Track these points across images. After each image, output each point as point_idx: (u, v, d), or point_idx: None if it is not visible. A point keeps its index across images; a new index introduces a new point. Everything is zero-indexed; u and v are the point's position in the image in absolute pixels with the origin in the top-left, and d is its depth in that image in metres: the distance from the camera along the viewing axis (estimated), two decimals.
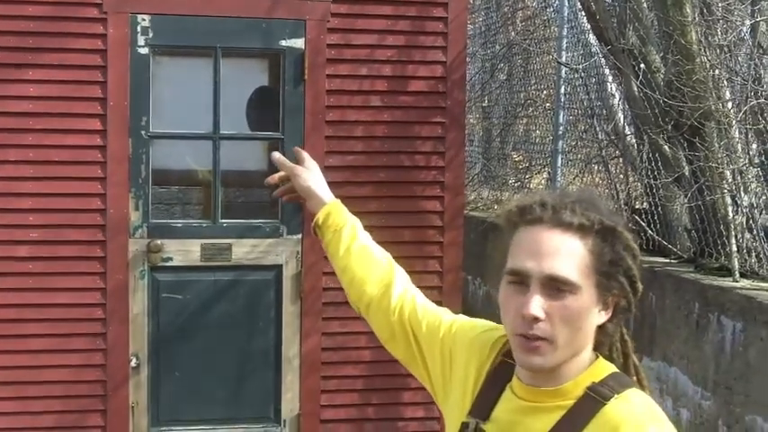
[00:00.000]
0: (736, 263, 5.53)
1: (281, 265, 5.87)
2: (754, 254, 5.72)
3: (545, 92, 9.44)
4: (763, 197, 5.86)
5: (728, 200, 5.84)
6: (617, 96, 7.37)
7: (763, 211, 5.88)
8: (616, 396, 2.05)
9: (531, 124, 9.87)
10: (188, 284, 5.82)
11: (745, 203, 5.77)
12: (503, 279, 2.08)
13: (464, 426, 2.21)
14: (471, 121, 10.20)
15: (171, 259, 5.77)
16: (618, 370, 2.14)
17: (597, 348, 2.15)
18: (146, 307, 5.76)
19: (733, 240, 5.64)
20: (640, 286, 2.12)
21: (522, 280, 2.03)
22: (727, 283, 5.39)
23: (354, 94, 5.85)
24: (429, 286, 5.96)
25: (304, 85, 5.78)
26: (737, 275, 5.48)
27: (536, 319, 2.01)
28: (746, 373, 4.92)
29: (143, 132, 5.69)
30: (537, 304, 2.01)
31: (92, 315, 5.67)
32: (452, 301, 5.96)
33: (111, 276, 5.66)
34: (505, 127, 10.28)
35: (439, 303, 5.94)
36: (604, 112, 7.57)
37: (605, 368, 2.12)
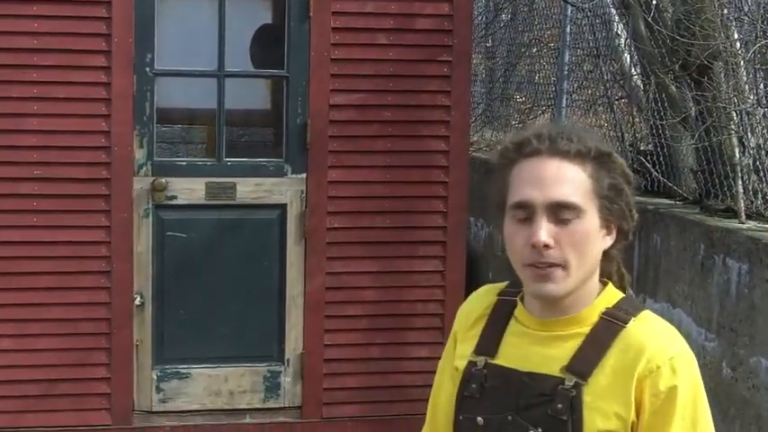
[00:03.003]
0: (743, 204, 5.50)
1: (286, 205, 5.86)
2: (760, 195, 5.69)
3: (549, 32, 9.37)
4: None
5: (735, 141, 5.81)
6: (623, 36, 7.31)
7: None
8: (633, 319, 2.13)
9: (534, 65, 9.81)
10: (192, 223, 5.81)
11: (752, 145, 5.74)
12: (506, 216, 2.13)
13: (471, 364, 2.23)
14: (474, 61, 10.12)
15: (175, 197, 5.76)
16: (625, 295, 2.21)
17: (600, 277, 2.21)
18: (150, 245, 5.76)
19: (739, 182, 5.61)
20: (636, 213, 2.19)
21: (527, 212, 2.08)
22: (732, 224, 5.37)
23: (360, 32, 5.81)
24: (433, 226, 5.97)
25: (309, 23, 5.73)
26: (743, 217, 5.45)
27: (546, 247, 2.06)
28: (751, 314, 4.92)
29: (147, 69, 5.65)
30: (545, 231, 2.06)
31: (96, 253, 5.67)
32: (456, 241, 5.96)
33: (115, 214, 5.65)
34: (509, 67, 10.22)
35: (443, 244, 5.97)
36: (610, 52, 7.52)
37: (616, 294, 2.20)
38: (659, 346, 2.09)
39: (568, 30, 8.22)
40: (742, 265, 5.01)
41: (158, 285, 5.80)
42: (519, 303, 2.23)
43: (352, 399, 5.97)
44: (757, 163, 5.72)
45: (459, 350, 2.29)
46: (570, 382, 2.09)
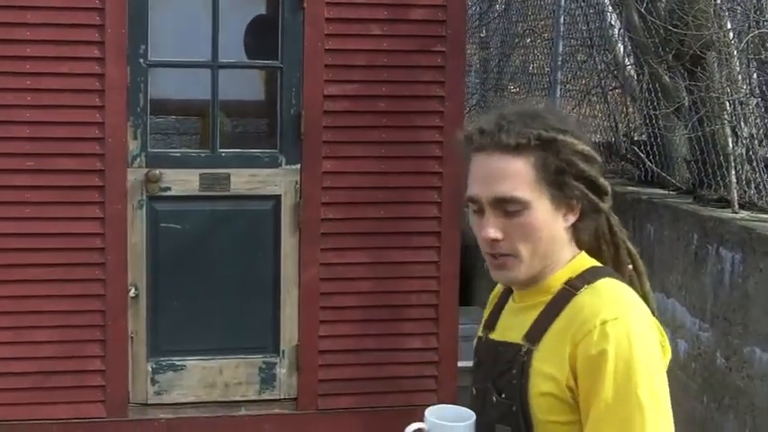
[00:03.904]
0: (736, 194, 5.52)
1: (280, 195, 5.85)
2: (753, 185, 5.71)
3: (543, 22, 9.37)
4: (763, 128, 5.84)
5: (728, 131, 5.82)
6: (617, 26, 7.32)
7: (763, 142, 5.87)
8: (586, 286, 2.17)
9: (528, 55, 9.81)
10: (186, 214, 5.80)
11: (745, 134, 5.76)
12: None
13: (478, 339, 2.38)
14: (468, 52, 10.12)
15: (169, 189, 5.74)
16: (598, 264, 2.25)
17: (582, 244, 2.26)
18: (144, 237, 5.75)
19: (732, 171, 5.62)
20: (603, 182, 2.22)
21: (478, 206, 2.17)
22: (726, 214, 5.38)
23: (354, 23, 5.80)
24: (428, 217, 5.96)
25: (303, 13, 5.72)
26: (737, 207, 5.47)
27: (495, 240, 2.15)
28: (745, 304, 4.93)
29: (141, 60, 5.63)
30: (492, 227, 2.15)
31: (90, 245, 5.65)
32: (451, 231, 5.96)
33: (109, 206, 5.64)
34: (503, 58, 10.22)
35: (437, 234, 5.96)
36: (604, 42, 7.53)
37: (585, 263, 2.24)
38: (593, 310, 2.11)
39: (562, 20, 8.23)
40: (735, 254, 5.02)
41: (153, 277, 5.79)
42: None
43: (347, 390, 5.96)
44: (750, 152, 5.73)
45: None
46: (524, 348, 2.17)
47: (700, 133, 5.88)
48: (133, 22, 5.57)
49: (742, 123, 5.76)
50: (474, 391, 2.32)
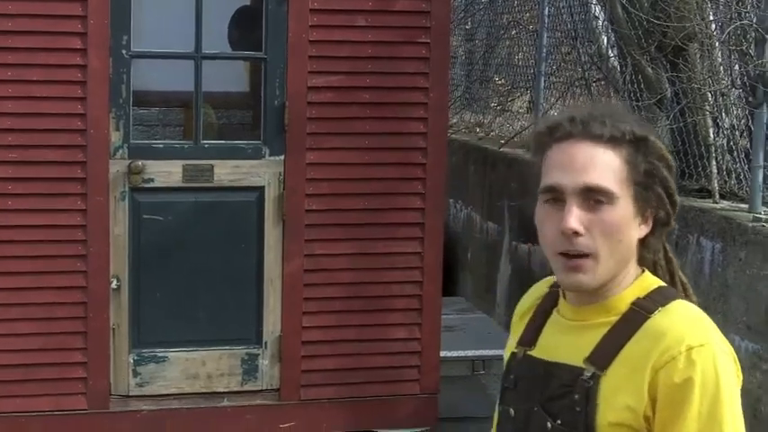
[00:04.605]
0: (717, 184, 5.55)
1: (264, 187, 5.84)
2: (734, 175, 5.74)
3: (528, 14, 9.40)
4: (744, 119, 5.87)
5: (710, 122, 5.85)
6: (600, 18, 7.35)
7: (744, 133, 5.90)
8: (660, 309, 2.03)
9: (513, 47, 9.83)
10: (169, 206, 5.79)
11: (726, 125, 5.79)
12: (538, 200, 2.07)
13: (512, 355, 2.23)
14: (453, 43, 10.14)
15: (152, 180, 5.73)
16: (664, 284, 2.12)
17: (643, 263, 2.14)
18: (127, 228, 5.74)
19: (713, 162, 5.66)
20: (678, 198, 2.12)
21: (557, 197, 2.02)
22: (706, 204, 5.42)
23: (338, 14, 5.79)
24: (412, 208, 5.97)
25: (287, 4, 5.71)
26: (717, 197, 5.50)
27: (576, 234, 2.00)
28: (725, 293, 4.96)
29: (124, 52, 5.62)
30: (575, 218, 1.99)
31: (72, 237, 5.64)
32: (435, 223, 5.97)
33: (91, 198, 5.62)
34: (488, 49, 10.24)
35: (421, 226, 5.96)
36: (588, 34, 7.56)
37: (651, 282, 2.11)
38: (677, 335, 1.98)
39: (547, 12, 8.26)
40: (715, 244, 5.05)
41: (135, 269, 5.78)
42: (561, 293, 2.18)
43: (330, 381, 5.97)
44: (731, 143, 5.76)
45: (509, 342, 2.28)
46: (589, 372, 2.03)
47: (681, 124, 5.90)
48: (116, 12, 5.56)
49: (723, 114, 5.80)
50: (512, 412, 2.17)
